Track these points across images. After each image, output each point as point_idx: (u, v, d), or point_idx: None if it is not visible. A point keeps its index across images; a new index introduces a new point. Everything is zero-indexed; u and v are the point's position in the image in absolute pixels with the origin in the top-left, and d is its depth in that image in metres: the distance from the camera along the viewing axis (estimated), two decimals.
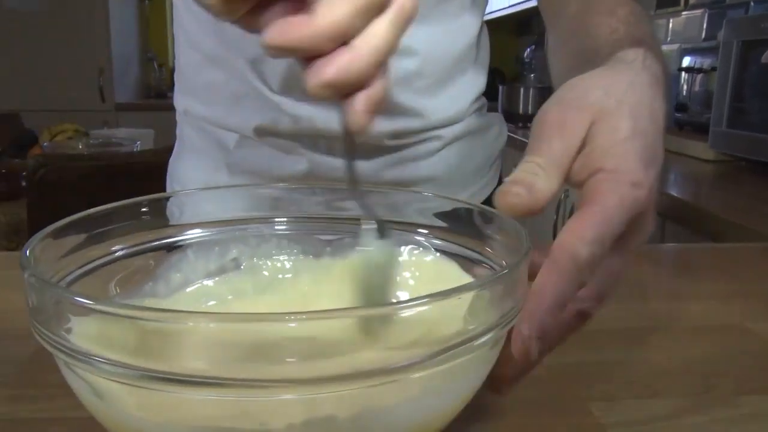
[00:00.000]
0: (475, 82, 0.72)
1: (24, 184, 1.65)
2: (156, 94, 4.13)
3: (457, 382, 0.28)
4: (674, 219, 1.12)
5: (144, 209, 0.38)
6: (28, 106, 3.26)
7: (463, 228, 0.38)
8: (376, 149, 0.66)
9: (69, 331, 0.25)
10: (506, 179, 0.33)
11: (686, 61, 1.79)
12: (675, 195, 1.16)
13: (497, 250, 0.36)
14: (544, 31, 1.97)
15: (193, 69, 0.72)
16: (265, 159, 0.68)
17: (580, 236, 0.30)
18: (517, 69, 4.01)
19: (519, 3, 3.12)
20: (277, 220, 0.42)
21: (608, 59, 0.40)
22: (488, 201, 0.73)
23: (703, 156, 1.52)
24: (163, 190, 1.66)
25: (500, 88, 2.67)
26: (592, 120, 0.33)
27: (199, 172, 0.74)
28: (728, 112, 1.38)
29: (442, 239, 0.40)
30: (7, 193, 1.75)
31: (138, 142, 1.94)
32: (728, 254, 0.74)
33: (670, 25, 2.38)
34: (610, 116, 0.33)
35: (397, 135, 0.65)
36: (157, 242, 0.38)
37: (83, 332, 0.25)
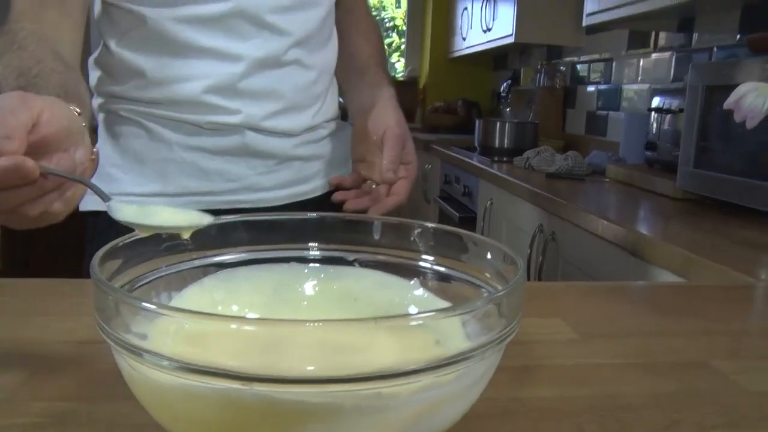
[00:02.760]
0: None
1: None
2: None
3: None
4: (643, 256, 1.17)
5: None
6: None
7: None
8: (290, 135, 0.90)
9: (128, 329, 0.31)
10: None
11: (655, 101, 1.86)
12: (644, 233, 1.20)
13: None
14: (520, 67, 2.03)
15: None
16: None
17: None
18: (493, 103, 4.10)
19: (495, 39, 3.21)
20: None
21: (376, 83, 0.94)
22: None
23: (671, 194, 1.57)
24: None
25: (477, 122, 2.73)
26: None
27: (144, 157, 0.88)
28: (695, 153, 1.44)
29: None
30: None
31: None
32: (694, 293, 0.78)
33: (641, 65, 2.47)
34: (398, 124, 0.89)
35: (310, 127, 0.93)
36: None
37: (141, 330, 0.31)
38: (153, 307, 0.31)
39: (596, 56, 2.84)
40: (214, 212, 0.79)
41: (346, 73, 0.99)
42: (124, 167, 0.87)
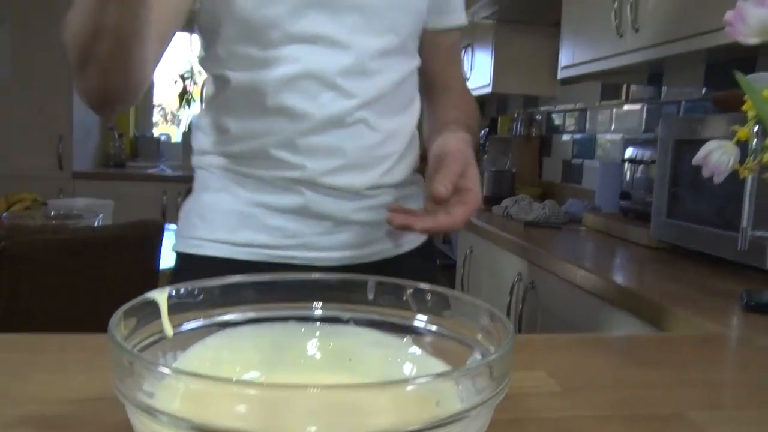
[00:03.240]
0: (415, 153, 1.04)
1: None
2: (114, 163, 4.14)
3: None
4: (620, 306, 1.20)
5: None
6: None
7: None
8: (356, 195, 0.93)
9: (140, 387, 0.33)
10: None
11: (629, 152, 1.93)
12: (620, 283, 1.24)
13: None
14: (498, 116, 2.08)
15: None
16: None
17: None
18: None
19: (473, 89, 3.30)
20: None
21: (453, 129, 0.90)
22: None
23: (645, 243, 1.63)
24: (128, 264, 1.65)
25: None
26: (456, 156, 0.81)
27: (218, 208, 0.96)
28: (667, 203, 1.50)
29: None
30: None
31: (100, 215, 1.95)
32: (670, 343, 0.81)
33: (614, 115, 2.56)
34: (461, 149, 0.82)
35: (372, 186, 0.95)
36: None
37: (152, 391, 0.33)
38: (165, 370, 0.33)
39: (571, 106, 2.93)
40: (271, 266, 0.89)
41: (432, 131, 1.01)
42: (203, 215, 0.95)
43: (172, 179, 3.81)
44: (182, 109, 4.49)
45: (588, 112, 2.76)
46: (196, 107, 4.43)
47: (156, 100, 4.68)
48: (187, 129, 4.36)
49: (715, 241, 1.35)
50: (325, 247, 0.94)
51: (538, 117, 3.24)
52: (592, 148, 2.70)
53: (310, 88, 0.89)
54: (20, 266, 1.47)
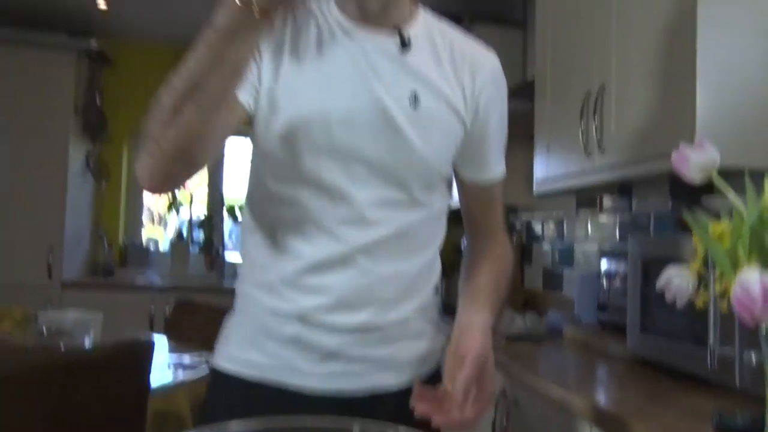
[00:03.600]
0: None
1: None
2: (103, 271, 4.16)
3: None
4: (601, 426, 1.23)
5: None
6: None
7: None
8: (346, 332, 1.01)
9: None
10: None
11: (604, 264, 2.00)
12: (599, 404, 1.28)
13: None
14: None
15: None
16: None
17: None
18: (453, 256, 4.26)
19: (456, 199, 3.41)
20: None
21: (479, 308, 1.02)
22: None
23: (622, 356, 1.67)
24: (121, 385, 1.67)
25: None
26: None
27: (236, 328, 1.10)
28: (640, 319, 1.56)
29: None
30: None
31: (91, 332, 1.98)
32: None
33: (589, 225, 2.66)
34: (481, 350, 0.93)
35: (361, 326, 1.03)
36: None
37: None
38: None
39: (549, 214, 3.04)
40: (267, 388, 1.02)
41: (464, 286, 1.10)
42: (226, 334, 1.11)
43: (160, 289, 3.84)
44: (170, 213, 4.58)
45: (565, 222, 2.87)
46: (184, 212, 4.52)
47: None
48: (175, 237, 4.43)
49: (688, 358, 1.39)
50: (313, 374, 1.00)
51: (519, 226, 3.35)
52: (570, 256, 2.79)
53: (309, 231, 1.00)
54: (14, 387, 1.48)
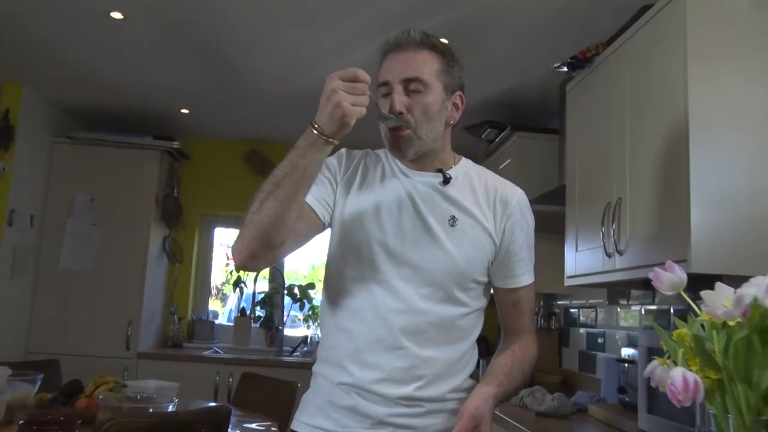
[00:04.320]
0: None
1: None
2: (173, 344, 4.54)
3: None
4: None
5: None
6: (63, 351, 3.68)
7: None
8: (393, 403, 1.29)
9: None
10: None
11: (624, 352, 2.26)
12: None
13: None
14: None
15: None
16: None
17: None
18: (498, 337, 4.50)
19: None
20: None
21: (487, 383, 1.29)
22: None
23: None
24: None
25: (480, 362, 3.11)
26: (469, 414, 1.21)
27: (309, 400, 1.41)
28: (647, 401, 1.81)
29: None
30: None
31: (176, 399, 2.32)
32: None
33: (618, 314, 2.91)
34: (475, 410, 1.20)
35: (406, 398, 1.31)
36: None
37: None
38: None
39: (584, 302, 3.30)
40: None
41: (485, 373, 1.37)
42: (303, 403, 1.43)
43: (224, 361, 4.18)
44: (230, 290, 4.97)
45: (598, 310, 3.12)
46: (247, 289, 4.91)
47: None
48: (238, 313, 4.80)
49: None
50: None
51: (557, 311, 3.60)
52: (603, 341, 3.03)
53: (367, 317, 1.31)
54: None
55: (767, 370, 0.98)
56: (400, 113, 1.32)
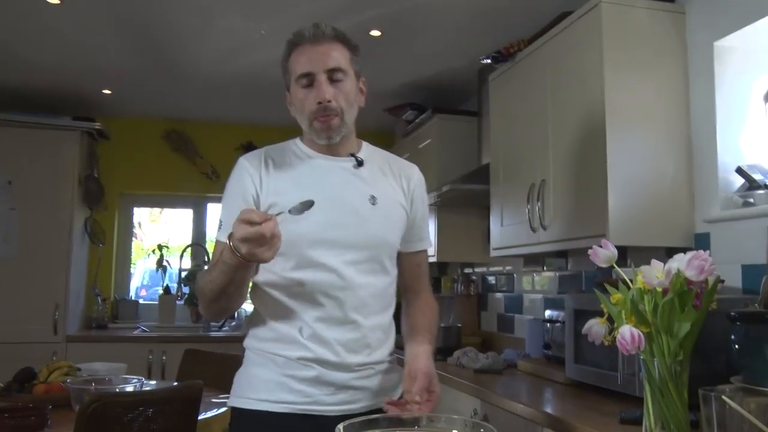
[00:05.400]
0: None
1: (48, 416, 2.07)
2: (97, 326, 4.53)
3: None
4: (549, 426, 1.81)
5: None
6: None
7: None
8: (350, 369, 1.46)
9: None
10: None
11: (547, 313, 2.62)
12: (548, 412, 1.86)
13: None
14: (440, 276, 2.76)
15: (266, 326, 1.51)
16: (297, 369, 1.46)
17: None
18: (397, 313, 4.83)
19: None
20: None
21: (420, 342, 1.50)
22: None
23: (562, 381, 2.27)
24: (180, 414, 2.13)
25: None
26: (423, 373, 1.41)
27: (261, 377, 1.48)
28: (573, 353, 2.16)
29: None
30: (37, 423, 2.14)
31: (142, 378, 2.43)
32: None
33: (534, 279, 3.28)
34: (427, 368, 1.41)
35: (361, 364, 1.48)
36: None
37: None
38: None
39: (501, 269, 3.66)
40: (295, 416, 1.44)
41: (408, 332, 1.56)
42: (251, 382, 1.48)
43: (155, 339, 4.24)
44: (158, 273, 5.00)
45: (515, 276, 3.49)
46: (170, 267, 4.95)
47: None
48: (163, 292, 4.84)
49: (606, 378, 2.00)
50: (330, 403, 1.45)
51: (474, 278, 3.95)
52: (520, 304, 3.40)
53: (316, 299, 1.45)
54: (106, 422, 1.94)
55: (684, 323, 1.30)
56: (329, 101, 1.46)
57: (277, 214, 1.27)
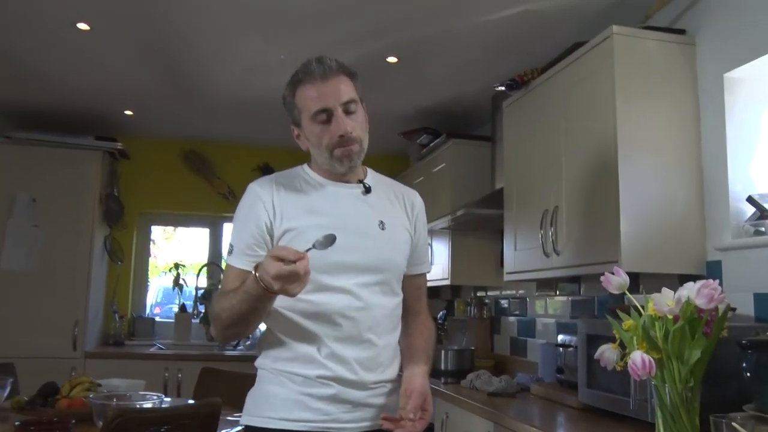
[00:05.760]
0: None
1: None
2: (114, 342, 4.60)
3: None
4: None
5: None
6: (12, 354, 3.67)
7: None
8: (366, 387, 1.51)
9: None
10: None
11: (560, 337, 2.64)
12: None
13: None
14: (453, 299, 2.89)
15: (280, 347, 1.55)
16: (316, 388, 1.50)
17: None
18: None
19: (433, 279, 3.99)
20: None
21: (417, 363, 1.58)
22: None
23: (575, 405, 2.29)
24: (212, 430, 2.19)
25: None
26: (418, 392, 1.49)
27: (279, 396, 1.52)
28: (586, 378, 2.18)
29: None
30: None
31: (162, 396, 2.48)
32: None
33: (547, 304, 3.31)
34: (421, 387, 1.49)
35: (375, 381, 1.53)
36: None
37: None
38: None
39: (513, 293, 3.69)
40: None
41: (406, 352, 1.63)
42: (268, 400, 1.52)
43: (172, 357, 4.29)
44: (174, 291, 5.06)
45: (527, 300, 3.52)
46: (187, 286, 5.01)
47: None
48: (179, 310, 4.90)
49: (618, 403, 2.02)
50: (347, 420, 1.50)
51: (487, 301, 3.99)
52: (532, 328, 3.42)
53: (333, 320, 1.49)
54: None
55: (694, 350, 1.33)
56: (350, 133, 1.52)
57: (307, 250, 1.31)
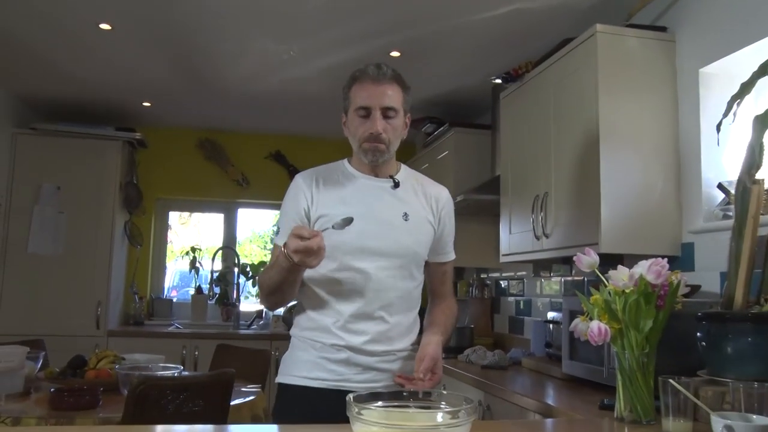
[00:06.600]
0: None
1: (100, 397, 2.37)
2: (134, 322, 4.85)
3: None
4: (544, 414, 2.03)
5: None
6: (33, 332, 3.92)
7: None
8: (375, 355, 1.73)
9: None
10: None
11: (550, 315, 2.84)
12: (544, 402, 2.09)
13: None
14: (456, 281, 3.04)
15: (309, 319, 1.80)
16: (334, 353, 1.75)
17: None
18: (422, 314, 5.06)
19: None
20: None
21: (434, 333, 1.78)
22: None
23: (559, 376, 2.49)
24: (216, 398, 2.38)
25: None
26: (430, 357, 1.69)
27: (302, 359, 1.78)
28: (569, 351, 2.38)
29: None
30: (90, 402, 2.43)
31: (181, 368, 2.71)
32: (567, 424, 1.64)
33: (542, 284, 3.50)
34: (434, 353, 1.69)
35: (385, 352, 1.74)
36: None
37: None
38: None
39: (512, 274, 3.88)
40: (328, 391, 1.74)
41: (427, 325, 1.84)
42: (294, 362, 1.78)
43: (189, 336, 4.54)
44: (191, 273, 5.31)
45: (525, 281, 3.71)
46: (203, 269, 5.25)
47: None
48: (195, 292, 5.14)
49: (595, 372, 2.22)
50: (358, 381, 1.72)
51: (488, 282, 4.18)
52: (530, 307, 3.62)
53: (352, 297, 1.73)
54: (152, 402, 2.21)
55: (648, 320, 1.52)
56: (380, 134, 1.75)
57: (324, 230, 1.57)
